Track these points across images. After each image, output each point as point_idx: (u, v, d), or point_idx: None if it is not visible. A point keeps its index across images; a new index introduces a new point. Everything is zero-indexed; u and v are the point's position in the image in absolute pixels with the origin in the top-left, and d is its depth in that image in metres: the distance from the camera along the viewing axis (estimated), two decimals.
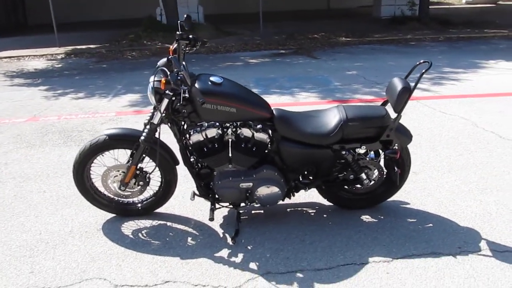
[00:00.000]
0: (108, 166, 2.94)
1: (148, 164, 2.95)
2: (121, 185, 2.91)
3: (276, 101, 5.75)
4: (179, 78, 2.38)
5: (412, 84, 2.71)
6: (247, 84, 6.58)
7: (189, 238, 2.86)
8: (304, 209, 3.17)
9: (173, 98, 2.63)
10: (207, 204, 3.15)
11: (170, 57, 2.57)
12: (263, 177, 2.79)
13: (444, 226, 2.90)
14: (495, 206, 3.11)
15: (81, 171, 2.89)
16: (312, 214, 3.11)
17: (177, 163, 2.92)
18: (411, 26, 11.50)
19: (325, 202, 3.19)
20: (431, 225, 2.92)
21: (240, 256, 2.67)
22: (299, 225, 2.96)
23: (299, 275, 2.49)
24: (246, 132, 2.74)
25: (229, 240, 2.82)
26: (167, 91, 2.58)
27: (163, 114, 2.66)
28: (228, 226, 2.96)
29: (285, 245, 2.76)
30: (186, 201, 3.27)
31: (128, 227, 3.00)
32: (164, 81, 2.45)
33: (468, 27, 11.31)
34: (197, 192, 2.86)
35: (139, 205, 3.06)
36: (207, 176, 2.89)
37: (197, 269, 2.56)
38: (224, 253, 2.70)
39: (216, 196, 2.87)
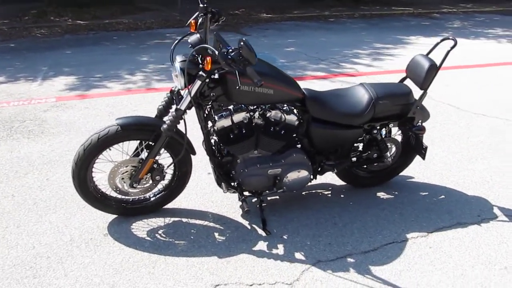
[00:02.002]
0: (117, 161, 2.54)
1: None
2: (133, 182, 2.55)
3: None
4: (229, 57, 2.09)
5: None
6: None
7: (216, 234, 2.62)
8: (319, 191, 3.09)
9: (207, 80, 2.33)
10: (217, 194, 2.97)
11: (215, 33, 2.27)
12: (293, 161, 2.64)
13: (455, 196, 3.03)
14: (488, 173, 3.33)
15: (84, 170, 2.47)
16: (329, 195, 3.04)
17: (194, 153, 2.63)
18: (326, 2, 11.80)
19: (336, 182, 3.15)
20: (443, 196, 3.03)
21: (281, 247, 2.51)
22: (323, 208, 2.87)
23: (350, 259, 2.42)
24: (276, 114, 2.55)
25: (259, 231, 2.64)
26: (200, 72, 2.28)
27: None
28: (249, 215, 2.77)
29: (320, 230, 2.66)
30: (191, 193, 2.99)
31: (139, 229, 2.65)
32: (210, 61, 2.14)
33: (377, 4, 11.95)
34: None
35: (152, 199, 2.71)
36: (228, 165, 2.65)
37: (242, 267, 2.36)
38: (262, 245, 2.52)
39: (235, 185, 2.65)
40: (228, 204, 2.89)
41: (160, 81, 5.42)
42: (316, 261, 2.41)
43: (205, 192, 3.04)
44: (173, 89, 2.59)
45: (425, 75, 2.64)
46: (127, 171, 2.55)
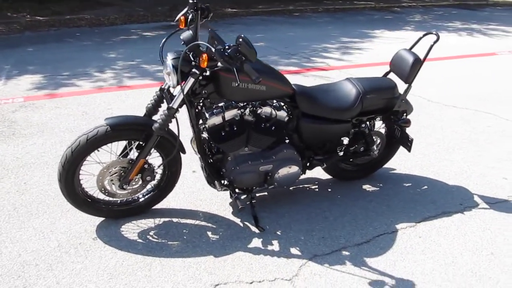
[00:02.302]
0: (106, 163, 2.47)
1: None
2: (123, 183, 2.48)
3: None
4: (227, 54, 2.06)
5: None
6: (158, 58, 6.09)
7: (209, 233, 2.59)
8: (306, 185, 3.12)
9: (200, 78, 2.29)
10: (205, 192, 2.96)
11: (210, 30, 2.22)
12: (283, 157, 2.64)
13: (436, 186, 3.13)
14: (465, 163, 3.46)
15: (72, 172, 2.38)
16: (317, 190, 3.07)
17: (184, 151, 2.59)
18: None
19: (321, 176, 3.18)
20: (426, 187, 3.13)
21: (276, 243, 2.52)
22: (312, 203, 2.90)
23: (345, 252, 2.46)
24: (267, 111, 2.55)
25: (252, 228, 2.64)
26: (193, 70, 2.24)
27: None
28: (240, 213, 2.75)
29: (312, 224, 2.69)
30: (178, 193, 2.94)
31: (130, 231, 2.59)
32: (206, 58, 2.10)
33: None
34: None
35: (141, 200, 2.64)
36: (219, 163, 2.63)
37: (240, 266, 2.34)
38: (257, 242, 2.52)
39: (227, 183, 2.63)
40: (218, 202, 2.87)
41: (132, 78, 5.29)
42: (312, 255, 2.43)
43: (192, 191, 3.00)
44: (163, 87, 2.53)
45: (409, 69, 2.71)
46: (116, 173, 2.48)
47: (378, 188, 3.10)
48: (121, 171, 2.48)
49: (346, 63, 6.15)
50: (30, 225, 2.62)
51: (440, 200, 2.96)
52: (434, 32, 2.76)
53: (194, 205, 2.85)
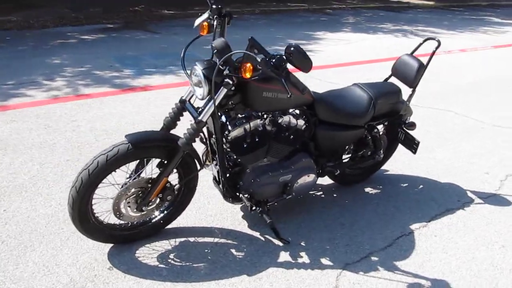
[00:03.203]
0: (121, 183, 2.24)
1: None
2: (142, 205, 2.27)
3: (173, 81, 5.23)
4: (272, 63, 1.95)
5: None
6: (110, 63, 5.76)
7: (233, 250, 2.47)
8: (310, 192, 3.08)
9: (233, 88, 2.16)
10: (212, 207, 2.87)
11: (250, 37, 2.09)
12: (302, 166, 2.60)
13: (431, 184, 3.26)
14: (448, 161, 3.64)
15: (88, 197, 2.13)
16: (323, 196, 3.06)
17: (202, 166, 2.44)
18: None
19: (322, 181, 3.17)
20: (422, 186, 3.25)
21: (304, 255, 2.46)
22: (324, 210, 2.88)
23: (374, 258, 2.47)
24: (286, 120, 2.48)
25: (275, 241, 2.56)
26: (226, 80, 2.10)
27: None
28: (255, 226, 2.67)
29: (332, 233, 2.67)
30: (186, 210, 2.76)
31: (147, 256, 2.39)
32: (250, 68, 1.97)
33: (273, 0, 12.27)
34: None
35: (153, 220, 2.44)
36: (237, 176, 2.51)
37: (278, 282, 2.26)
38: (285, 256, 2.45)
39: (246, 196, 2.52)
40: (229, 217, 2.74)
41: (88, 86, 4.91)
42: (344, 264, 2.40)
43: (198, 207, 2.84)
44: (184, 98, 2.35)
45: (415, 74, 2.78)
46: (134, 194, 2.26)
47: (379, 191, 3.15)
48: (139, 192, 2.27)
49: None
50: (29, 259, 2.32)
51: (439, 198, 3.08)
52: (436, 39, 2.86)
53: (206, 222, 2.70)
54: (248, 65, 1.96)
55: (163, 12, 10.14)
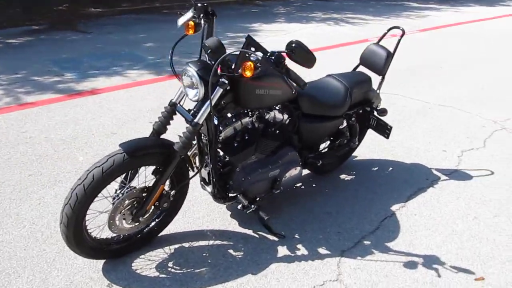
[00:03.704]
0: (117, 196, 2.13)
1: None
2: (139, 216, 2.18)
3: (120, 82, 5.00)
4: (272, 61, 1.93)
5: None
6: (47, 68, 5.41)
7: (231, 251, 2.45)
8: None
9: (228, 88, 2.12)
10: (197, 208, 2.82)
11: (247, 35, 2.04)
12: (288, 160, 2.62)
13: (399, 166, 3.44)
14: (407, 142, 3.85)
15: (83, 214, 2.00)
16: (303, 187, 3.11)
17: (197, 171, 2.38)
18: None
19: None
20: (391, 168, 3.41)
21: (301, 247, 2.50)
22: (308, 201, 2.94)
23: (366, 242, 2.57)
24: (273, 115, 2.50)
25: (270, 237, 2.57)
26: (222, 79, 2.06)
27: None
28: (246, 223, 2.66)
29: (321, 222, 2.73)
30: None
31: (144, 267, 2.30)
32: (252, 66, 1.93)
33: None
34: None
35: (146, 229, 2.35)
36: (227, 176, 2.49)
37: (284, 277, 2.28)
38: (284, 250, 2.47)
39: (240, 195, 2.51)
40: (217, 217, 2.71)
41: (30, 94, 4.57)
42: (341, 251, 2.48)
43: (184, 210, 2.76)
44: (174, 101, 2.27)
45: (384, 62, 2.90)
46: (129, 205, 2.16)
47: (353, 177, 3.27)
48: (135, 202, 2.17)
49: None
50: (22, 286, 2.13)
51: (409, 178, 3.26)
52: (400, 28, 2.99)
53: (196, 225, 2.65)
54: (249, 63, 1.93)
55: (89, 10, 9.64)
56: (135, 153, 2.02)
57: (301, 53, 1.93)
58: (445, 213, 2.86)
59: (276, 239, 2.55)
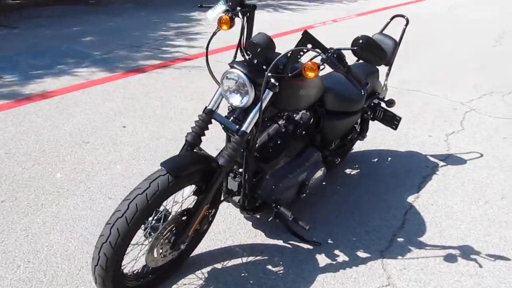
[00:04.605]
0: (151, 223, 1.83)
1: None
2: (180, 244, 1.90)
3: (72, 82, 4.47)
4: (334, 57, 1.72)
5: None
6: None
7: (270, 267, 2.26)
8: None
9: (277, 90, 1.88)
10: (216, 224, 2.50)
11: (303, 31, 1.80)
12: (314, 161, 2.47)
13: (396, 156, 3.43)
14: (395, 131, 3.84)
15: (124, 252, 1.69)
16: None
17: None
18: None
19: None
20: (390, 158, 3.39)
21: (338, 252, 2.38)
22: (326, 201, 2.81)
23: (399, 239, 2.50)
24: (300, 115, 2.31)
25: (304, 246, 2.41)
26: (272, 81, 1.83)
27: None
28: (272, 233, 2.48)
29: (349, 222, 2.63)
30: None
31: None
32: (315, 66, 1.71)
33: None
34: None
35: (182, 251, 2.07)
36: (256, 185, 2.27)
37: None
38: (324, 259, 2.33)
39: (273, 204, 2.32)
40: (240, 230, 2.50)
41: None
42: (380, 252, 2.39)
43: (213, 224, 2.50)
44: (210, 107, 1.98)
45: (392, 52, 2.82)
46: (168, 234, 1.87)
47: (358, 170, 3.19)
48: (174, 229, 1.88)
49: (200, 50, 5.92)
50: None
51: (411, 167, 3.26)
52: (402, 15, 2.91)
53: (220, 242, 2.41)
54: (310, 63, 1.72)
55: (8, 1, 8.61)
56: (181, 173, 1.73)
57: (371, 49, 1.75)
58: (458, 200, 2.88)
59: (310, 247, 2.39)
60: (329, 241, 2.45)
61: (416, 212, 2.73)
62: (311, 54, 1.81)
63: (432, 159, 3.38)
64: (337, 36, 6.86)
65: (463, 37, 7.28)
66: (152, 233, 1.83)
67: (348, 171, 3.17)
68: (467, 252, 2.41)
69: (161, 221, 1.84)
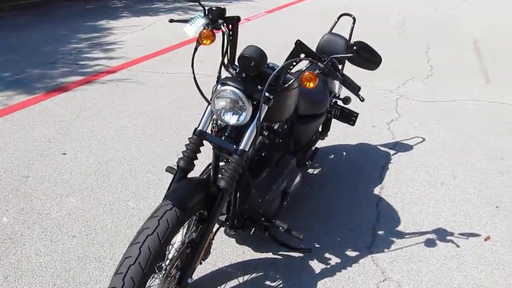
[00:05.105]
0: (163, 264, 1.68)
1: None
2: (187, 278, 1.77)
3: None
4: (330, 65, 1.68)
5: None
6: None
7: (269, 282, 2.20)
8: None
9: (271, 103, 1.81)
10: (220, 239, 2.41)
11: (297, 42, 1.73)
12: (292, 168, 2.45)
13: (349, 149, 3.54)
14: (342, 125, 3.97)
15: None
16: None
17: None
18: None
19: None
20: (345, 153, 3.49)
21: (329, 255, 2.39)
22: (300, 205, 2.81)
23: (380, 232, 2.59)
24: (280, 124, 2.29)
25: (295, 254, 2.39)
26: (267, 94, 1.76)
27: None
28: (260, 247, 2.42)
29: (330, 223, 2.65)
30: None
31: None
32: (313, 76, 1.66)
33: None
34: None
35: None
36: (245, 200, 2.21)
37: None
38: (318, 265, 2.33)
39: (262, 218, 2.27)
40: (227, 249, 2.41)
41: None
42: (366, 248, 2.45)
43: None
44: (201, 128, 1.85)
45: (344, 49, 2.87)
46: (174, 269, 1.73)
47: (320, 169, 3.24)
48: (179, 264, 1.74)
49: (125, 60, 5.62)
50: None
51: (367, 159, 3.38)
52: (349, 14, 2.99)
53: (210, 264, 2.29)
54: (308, 73, 1.68)
55: None
56: (187, 204, 1.61)
57: (367, 55, 1.74)
58: (418, 185, 3.04)
59: (301, 255, 2.37)
60: (317, 245, 2.44)
61: (386, 203, 2.84)
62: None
63: (382, 148, 3.54)
64: (260, 35, 6.90)
65: (369, 27, 7.66)
66: (157, 273, 1.67)
67: (310, 171, 3.20)
68: (442, 234, 2.55)
69: (165, 258, 1.69)
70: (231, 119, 1.79)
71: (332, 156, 3.41)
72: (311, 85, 1.68)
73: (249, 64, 1.72)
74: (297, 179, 2.47)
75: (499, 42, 6.94)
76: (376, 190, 2.97)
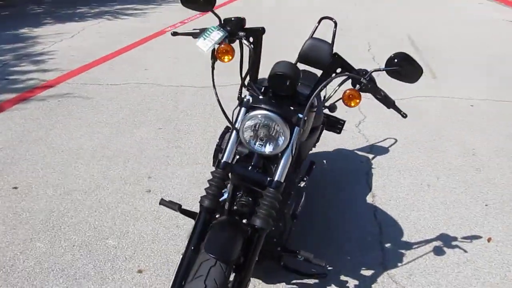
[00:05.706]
0: None
1: None
2: None
3: None
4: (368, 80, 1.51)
5: None
6: None
7: None
8: None
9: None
10: None
11: (336, 56, 1.51)
12: (297, 189, 2.28)
13: (330, 157, 3.43)
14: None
15: None
16: None
17: None
18: None
19: None
20: (325, 161, 3.38)
21: (344, 277, 2.26)
22: (298, 228, 2.64)
23: (387, 245, 2.49)
24: None
25: (311, 281, 2.22)
26: (299, 115, 1.56)
27: None
28: (273, 278, 2.23)
29: (334, 241, 2.52)
30: None
31: None
32: (358, 95, 1.47)
33: None
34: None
35: None
36: None
37: None
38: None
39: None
40: None
41: None
42: (380, 264, 2.34)
43: None
44: (225, 160, 1.59)
45: (329, 55, 2.73)
46: None
47: (318, 181, 3.08)
48: None
49: (60, 72, 5.09)
50: None
51: (350, 166, 3.30)
52: (329, 17, 2.85)
53: None
54: (352, 92, 1.50)
55: None
56: (232, 256, 1.36)
57: (409, 68, 1.57)
58: (406, 189, 3.00)
59: (316, 281, 2.20)
60: (329, 268, 2.28)
61: (383, 212, 2.76)
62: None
63: (360, 153, 3.47)
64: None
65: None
66: None
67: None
68: (446, 240, 2.52)
69: None
70: (266, 148, 1.56)
71: (314, 166, 3.27)
72: (353, 104, 1.50)
73: (283, 83, 1.51)
74: (303, 199, 2.29)
75: (432, 39, 7.26)
76: (369, 199, 2.87)
